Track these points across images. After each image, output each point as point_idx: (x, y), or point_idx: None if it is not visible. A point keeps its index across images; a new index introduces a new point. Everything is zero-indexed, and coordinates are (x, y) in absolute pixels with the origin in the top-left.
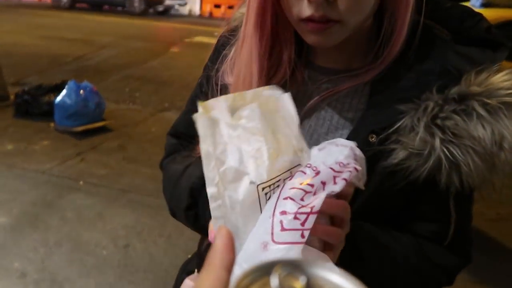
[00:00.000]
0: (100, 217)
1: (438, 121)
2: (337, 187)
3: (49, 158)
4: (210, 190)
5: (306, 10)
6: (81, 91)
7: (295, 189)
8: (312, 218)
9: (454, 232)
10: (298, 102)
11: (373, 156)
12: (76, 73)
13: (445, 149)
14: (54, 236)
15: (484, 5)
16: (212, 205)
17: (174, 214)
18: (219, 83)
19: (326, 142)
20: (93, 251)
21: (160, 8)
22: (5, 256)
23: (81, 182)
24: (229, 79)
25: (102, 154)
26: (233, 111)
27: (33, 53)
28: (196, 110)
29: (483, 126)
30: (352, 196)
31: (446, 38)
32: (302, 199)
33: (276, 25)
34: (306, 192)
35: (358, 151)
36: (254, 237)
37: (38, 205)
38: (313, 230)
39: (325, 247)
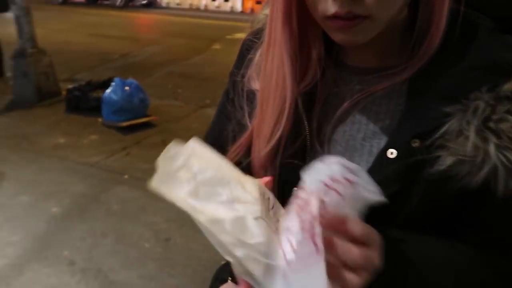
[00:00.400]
0: (143, 210)
1: (491, 124)
2: (328, 198)
3: (97, 152)
4: (238, 253)
5: (331, 7)
6: (126, 88)
7: (290, 208)
8: (316, 224)
9: None
10: (330, 106)
11: (417, 163)
12: (122, 69)
13: (501, 156)
14: (100, 227)
15: None
16: (251, 267)
17: None
18: (245, 89)
19: (314, 164)
20: (136, 243)
21: (144, 1)
22: (56, 244)
23: (126, 176)
24: (256, 85)
25: (146, 149)
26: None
27: (83, 50)
28: (225, 118)
29: None
30: (398, 206)
31: (491, 28)
32: (299, 214)
33: (303, 24)
34: (300, 206)
35: (349, 164)
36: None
37: (87, 197)
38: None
39: None
